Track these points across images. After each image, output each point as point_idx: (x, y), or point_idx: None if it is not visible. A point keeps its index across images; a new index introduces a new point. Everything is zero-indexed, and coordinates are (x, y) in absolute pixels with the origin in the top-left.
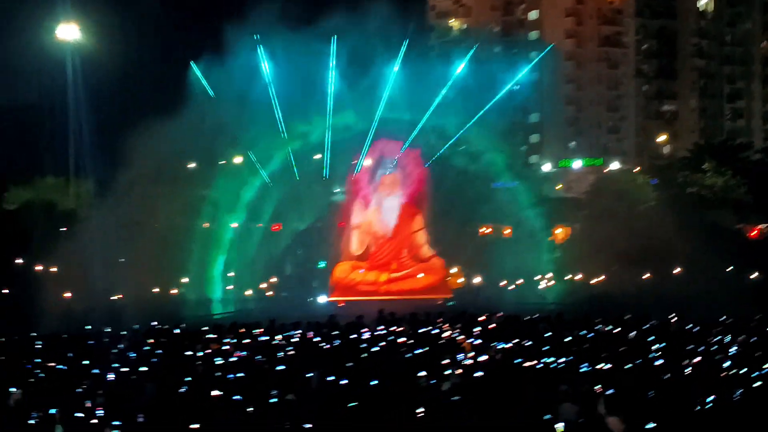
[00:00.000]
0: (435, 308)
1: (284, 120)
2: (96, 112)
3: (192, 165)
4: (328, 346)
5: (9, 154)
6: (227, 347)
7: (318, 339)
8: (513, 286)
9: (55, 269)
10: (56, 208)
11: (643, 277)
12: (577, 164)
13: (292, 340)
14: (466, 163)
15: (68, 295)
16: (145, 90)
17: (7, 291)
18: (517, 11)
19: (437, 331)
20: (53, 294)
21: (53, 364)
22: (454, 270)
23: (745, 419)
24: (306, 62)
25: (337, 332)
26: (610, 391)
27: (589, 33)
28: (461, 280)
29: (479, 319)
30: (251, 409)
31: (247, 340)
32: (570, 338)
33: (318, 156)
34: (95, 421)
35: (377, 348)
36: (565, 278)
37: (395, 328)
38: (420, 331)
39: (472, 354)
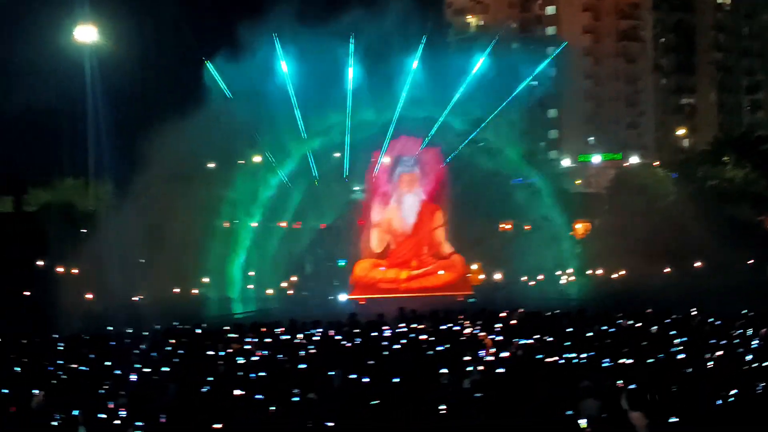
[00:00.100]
0: (456, 305)
1: (303, 118)
2: (114, 113)
3: (211, 165)
4: (350, 344)
5: (28, 156)
6: (248, 346)
7: (339, 337)
8: (533, 282)
9: (75, 270)
10: (76, 209)
11: (664, 272)
12: (596, 159)
13: (314, 338)
14: (485, 159)
15: (89, 296)
16: (163, 90)
17: (28, 293)
18: (534, 7)
19: (458, 328)
20: (74, 295)
21: (75, 365)
22: (474, 267)
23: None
24: (324, 60)
25: (358, 330)
26: (633, 386)
27: (607, 28)
28: (482, 276)
29: (500, 315)
30: (273, 408)
31: (269, 339)
32: (591, 333)
33: (337, 154)
34: (118, 421)
35: (398, 346)
36: (586, 273)
37: (416, 325)
38: (441, 328)
39: (494, 350)
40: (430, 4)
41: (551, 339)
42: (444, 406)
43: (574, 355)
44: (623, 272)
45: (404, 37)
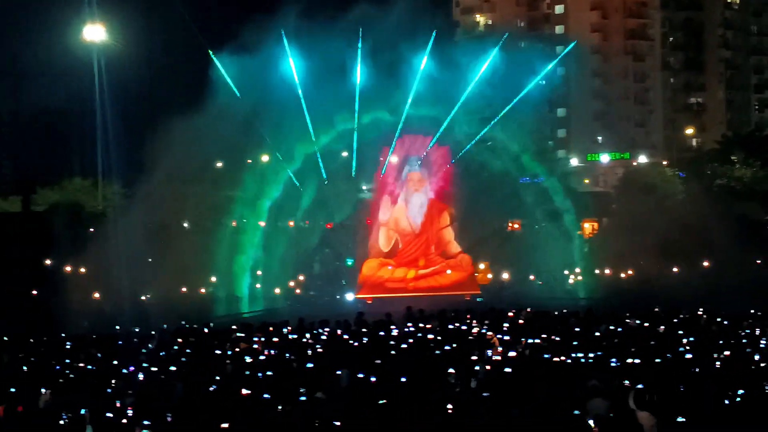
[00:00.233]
0: (463, 304)
1: (311, 117)
2: (123, 114)
3: (219, 164)
4: (357, 343)
5: (37, 156)
6: (256, 346)
7: (347, 337)
8: (541, 282)
9: (83, 270)
10: (84, 209)
11: (673, 271)
12: (604, 158)
13: (321, 338)
14: (494, 158)
15: (97, 295)
16: (170, 90)
17: (35, 292)
18: (542, 6)
19: (466, 327)
20: (82, 295)
21: (83, 364)
22: (482, 266)
23: None
24: (332, 60)
25: (365, 330)
26: (640, 386)
27: (615, 26)
28: (489, 276)
29: (508, 314)
30: (281, 407)
31: (276, 339)
32: (599, 333)
33: (345, 153)
34: (125, 421)
35: (406, 345)
36: (594, 273)
37: (423, 325)
38: (449, 327)
39: (501, 350)
40: (439, 3)
41: (559, 338)
42: (451, 406)
43: (581, 354)
44: (631, 272)
45: (412, 36)
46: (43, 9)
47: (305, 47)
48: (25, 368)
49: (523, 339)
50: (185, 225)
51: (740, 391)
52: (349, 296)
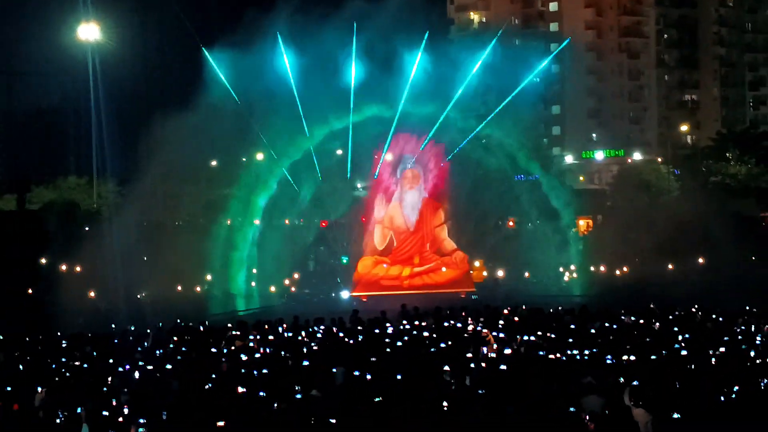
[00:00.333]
0: (458, 302)
1: (305, 115)
2: (117, 112)
3: (214, 163)
4: (352, 341)
5: (32, 155)
6: (252, 344)
7: (342, 334)
8: (536, 279)
9: (78, 269)
10: (79, 207)
11: (668, 268)
12: (599, 155)
13: (316, 336)
14: (488, 156)
15: (92, 294)
16: (165, 89)
17: (31, 291)
18: (537, 3)
19: (461, 325)
20: (77, 293)
21: (78, 363)
22: (477, 264)
23: None
24: (326, 58)
25: (360, 327)
26: (635, 383)
27: (609, 23)
28: (484, 273)
29: (503, 312)
30: (276, 405)
31: (272, 337)
32: (594, 330)
33: (340, 152)
34: (121, 419)
35: (401, 343)
36: (589, 270)
37: (418, 322)
38: (444, 325)
39: (496, 347)
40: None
41: (554, 336)
42: (446, 403)
43: (576, 351)
44: (626, 269)
45: (407, 34)
46: (38, 8)
47: (299, 45)
48: (21, 367)
49: (518, 336)
50: (180, 223)
51: (735, 388)
52: (345, 294)
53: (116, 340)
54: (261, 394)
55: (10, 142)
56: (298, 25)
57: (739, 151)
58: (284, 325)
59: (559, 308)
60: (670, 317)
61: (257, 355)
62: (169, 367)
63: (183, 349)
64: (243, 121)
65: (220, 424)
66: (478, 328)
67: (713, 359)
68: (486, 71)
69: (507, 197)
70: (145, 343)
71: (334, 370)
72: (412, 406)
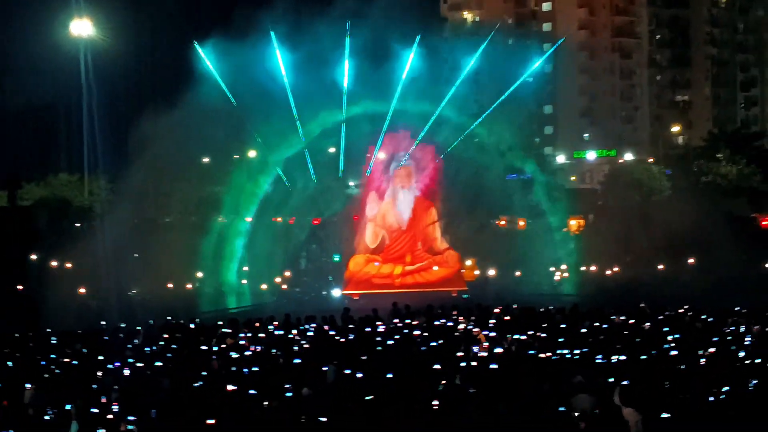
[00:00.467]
0: (450, 301)
1: (298, 113)
2: (109, 109)
3: (206, 160)
4: (343, 339)
5: (23, 151)
6: (243, 342)
7: (333, 333)
8: (528, 278)
9: (69, 265)
10: (70, 204)
11: (659, 268)
12: (591, 155)
13: (308, 334)
14: (480, 155)
15: (83, 291)
16: (158, 85)
17: (21, 287)
18: (530, 3)
19: (452, 323)
20: (68, 290)
21: (68, 360)
22: (468, 262)
23: (759, 409)
24: (319, 56)
25: (352, 326)
26: (625, 382)
27: (602, 23)
28: (476, 272)
29: (494, 311)
30: (267, 403)
31: (263, 335)
32: (585, 330)
33: (332, 149)
34: (111, 416)
35: (392, 341)
36: (580, 269)
37: (410, 321)
38: (435, 323)
39: (487, 346)
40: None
41: (545, 335)
42: (437, 402)
43: (567, 351)
44: (617, 268)
45: (400, 33)
46: (30, 3)
47: (292, 44)
48: (10, 363)
49: (509, 335)
50: (172, 220)
51: (725, 388)
52: (336, 292)
53: (106, 337)
54: (252, 392)
55: (1, 138)
56: (292, 23)
57: (731, 151)
58: (275, 323)
59: (550, 307)
60: (660, 317)
61: (248, 353)
62: (159, 364)
63: (173, 346)
64: (235, 118)
65: (211, 422)
66: (470, 327)
67: (703, 359)
68: (479, 70)
69: (499, 196)
70: (136, 341)
71: (325, 368)
72: (404, 405)
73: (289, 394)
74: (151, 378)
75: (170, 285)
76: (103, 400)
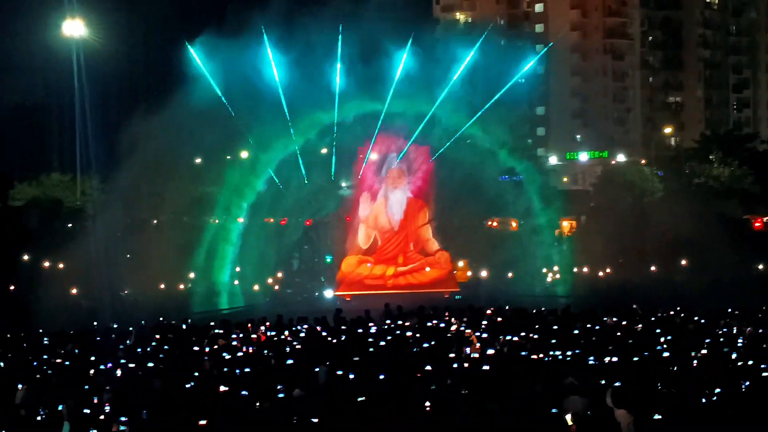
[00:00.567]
0: (442, 302)
1: (290, 114)
2: (102, 109)
3: (198, 160)
4: (336, 340)
5: (15, 151)
6: (235, 342)
7: (325, 334)
8: (520, 280)
9: (61, 266)
10: (62, 204)
11: (650, 269)
12: (583, 157)
13: (300, 335)
14: (473, 156)
15: (75, 291)
16: (150, 86)
17: (13, 287)
18: (522, 4)
19: (444, 325)
20: (60, 290)
21: (60, 360)
22: (460, 264)
23: (752, 411)
24: (312, 57)
25: (344, 327)
26: (618, 384)
27: (594, 25)
28: (468, 273)
29: (486, 312)
30: (259, 404)
31: (254, 336)
32: (577, 331)
33: (324, 150)
34: (103, 417)
35: (384, 342)
36: (572, 271)
37: (402, 322)
38: (427, 324)
39: (479, 347)
40: (418, 1)
41: (537, 336)
42: (429, 403)
43: (559, 352)
44: (609, 270)
45: (392, 34)
46: (23, 3)
47: (285, 45)
48: (1, 364)
49: (501, 336)
50: (164, 221)
51: (717, 390)
52: (328, 293)
53: (98, 338)
54: (243, 393)
55: None
56: (284, 25)
57: (723, 153)
58: (267, 324)
59: (542, 309)
60: (653, 319)
61: (240, 354)
62: (151, 365)
63: (165, 347)
64: (228, 119)
65: (203, 423)
66: (462, 328)
67: (695, 361)
68: (471, 72)
69: (491, 197)
70: (128, 341)
71: (317, 369)
72: (395, 406)
73: (281, 395)
74: (143, 379)
75: (162, 285)
76: (95, 400)
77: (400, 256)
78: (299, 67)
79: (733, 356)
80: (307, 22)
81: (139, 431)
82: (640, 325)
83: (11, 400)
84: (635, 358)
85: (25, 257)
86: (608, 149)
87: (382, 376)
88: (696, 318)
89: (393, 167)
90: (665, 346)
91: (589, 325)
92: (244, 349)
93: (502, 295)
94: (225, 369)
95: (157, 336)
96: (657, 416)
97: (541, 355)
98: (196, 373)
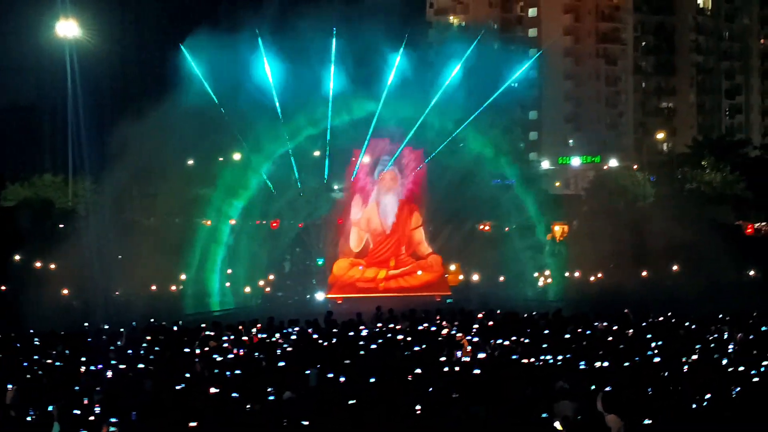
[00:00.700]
0: (433, 305)
1: (283, 117)
2: (95, 110)
3: (191, 162)
4: (327, 343)
5: (7, 152)
6: (225, 344)
7: (316, 336)
8: (511, 284)
9: (53, 266)
10: (54, 205)
11: (642, 274)
12: (575, 161)
13: (291, 337)
14: (465, 160)
15: (66, 292)
16: (143, 87)
17: (4, 288)
18: (516, 8)
19: (435, 328)
20: (51, 291)
21: (51, 361)
22: (452, 267)
23: (742, 417)
24: (305, 60)
25: (335, 330)
26: (608, 389)
27: (588, 29)
28: (460, 277)
29: (478, 316)
30: (249, 406)
31: (245, 338)
32: (568, 335)
33: (317, 153)
34: (93, 418)
35: (375, 345)
36: (564, 275)
37: (393, 325)
38: (418, 328)
39: (470, 350)
40: (412, 4)
41: (528, 340)
42: (419, 407)
43: (550, 356)
44: (601, 275)
45: (385, 37)
46: (16, 3)
47: (278, 47)
48: None
49: (492, 340)
50: (156, 222)
51: (708, 395)
52: (320, 296)
53: (89, 339)
54: (234, 395)
55: None
56: (278, 28)
57: (715, 159)
58: (258, 326)
59: (534, 313)
60: (644, 324)
61: (231, 356)
62: (142, 366)
63: (156, 348)
64: (220, 121)
65: (193, 424)
66: (453, 332)
67: (686, 366)
68: (464, 76)
69: (483, 201)
70: (119, 342)
71: (308, 372)
72: (386, 409)
73: (271, 398)
74: (134, 380)
75: (154, 287)
76: (86, 401)
77: (392, 259)
78: (293, 69)
79: (724, 362)
80: (300, 25)
81: None
82: (631, 330)
83: (1, 400)
84: (626, 363)
85: (17, 258)
86: (601, 154)
87: (372, 380)
88: (687, 323)
89: (385, 170)
90: (656, 351)
91: (580, 330)
92: (235, 351)
93: (494, 299)
94: (216, 371)
95: (148, 337)
96: (647, 421)
97: (532, 360)
98: (187, 375)
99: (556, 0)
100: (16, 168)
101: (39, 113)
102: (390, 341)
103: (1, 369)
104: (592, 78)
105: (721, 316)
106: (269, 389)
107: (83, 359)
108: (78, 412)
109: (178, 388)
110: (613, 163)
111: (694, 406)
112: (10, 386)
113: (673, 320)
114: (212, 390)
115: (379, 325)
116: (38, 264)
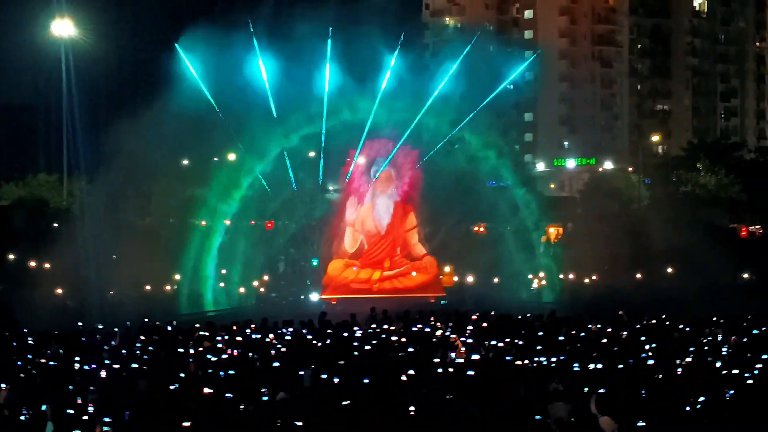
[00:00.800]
0: (428, 307)
1: (279, 117)
2: (90, 110)
3: (185, 162)
4: (321, 344)
5: (2, 151)
6: (220, 345)
7: (310, 337)
8: (506, 285)
9: (47, 266)
10: (49, 205)
11: (636, 276)
12: (570, 163)
13: (285, 338)
14: (460, 161)
15: (60, 291)
16: (138, 87)
17: None
18: (512, 10)
19: (429, 329)
20: (45, 290)
21: (45, 360)
22: (447, 269)
23: (736, 419)
24: (301, 61)
25: (329, 330)
26: (602, 391)
27: (583, 32)
28: (454, 278)
29: (472, 317)
30: (243, 406)
31: (240, 338)
32: (562, 337)
33: (312, 154)
34: (86, 417)
35: (369, 346)
36: (558, 277)
37: (387, 326)
38: (413, 329)
39: (464, 351)
40: (407, 5)
41: (522, 342)
42: (413, 408)
43: (544, 358)
44: (595, 277)
45: (381, 39)
46: (11, 3)
47: (274, 48)
48: None
49: (486, 342)
50: (150, 222)
51: (701, 398)
52: (314, 296)
53: (84, 339)
54: (228, 395)
55: None
56: (274, 29)
57: (710, 162)
58: (252, 327)
59: (528, 315)
60: (638, 326)
61: (225, 356)
62: (136, 366)
63: (150, 348)
64: (216, 121)
65: (186, 424)
66: (447, 333)
67: (680, 369)
68: (460, 77)
69: (478, 203)
70: (113, 342)
71: (302, 372)
72: (380, 411)
73: (265, 398)
74: (128, 380)
75: (148, 287)
76: (79, 401)
77: (387, 260)
78: (288, 70)
79: (718, 365)
80: (296, 26)
81: None
82: (625, 332)
83: None
84: (620, 365)
85: (11, 257)
86: (595, 156)
87: (366, 380)
88: (681, 326)
89: (380, 172)
90: (650, 353)
91: (574, 332)
92: (229, 351)
93: (488, 301)
94: (210, 371)
95: (143, 337)
96: (641, 423)
97: (526, 361)
98: (181, 375)
99: (552, 2)
100: (11, 167)
101: (34, 112)
102: (384, 342)
103: None
104: (587, 80)
105: (715, 318)
106: (263, 390)
107: (77, 359)
108: (72, 411)
109: (172, 388)
110: (608, 165)
111: (688, 408)
112: (3, 385)
113: (668, 322)
114: (206, 390)
115: (374, 326)
116: (32, 263)
